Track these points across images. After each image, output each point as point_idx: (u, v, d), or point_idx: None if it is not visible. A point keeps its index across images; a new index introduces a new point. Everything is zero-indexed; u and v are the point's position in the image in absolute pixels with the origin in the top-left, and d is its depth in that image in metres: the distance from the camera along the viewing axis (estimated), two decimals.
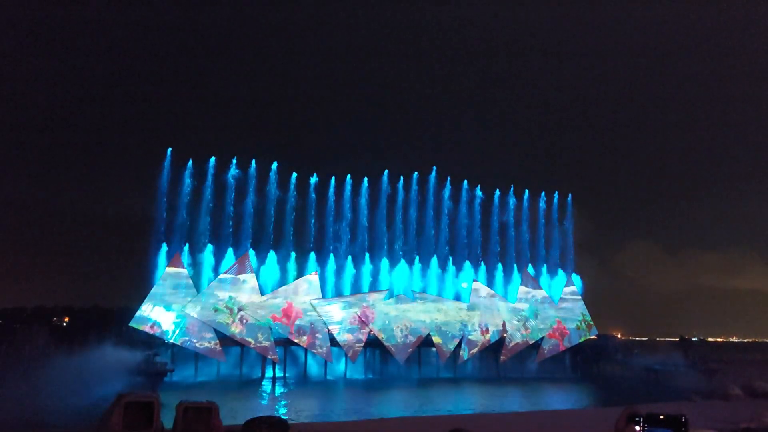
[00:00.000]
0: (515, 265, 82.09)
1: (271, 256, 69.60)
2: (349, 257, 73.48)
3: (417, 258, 76.65)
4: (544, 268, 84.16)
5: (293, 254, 70.65)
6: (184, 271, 64.08)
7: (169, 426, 18.88)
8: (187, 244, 66.24)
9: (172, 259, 64.18)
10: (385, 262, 74.51)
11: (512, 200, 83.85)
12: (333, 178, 75.26)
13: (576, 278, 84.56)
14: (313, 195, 73.29)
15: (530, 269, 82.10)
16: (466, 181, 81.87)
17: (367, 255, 74.20)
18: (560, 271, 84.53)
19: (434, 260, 77.12)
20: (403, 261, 75.72)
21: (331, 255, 72.88)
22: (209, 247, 67.46)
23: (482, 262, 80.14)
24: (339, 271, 73.08)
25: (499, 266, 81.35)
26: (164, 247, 65.80)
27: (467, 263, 79.21)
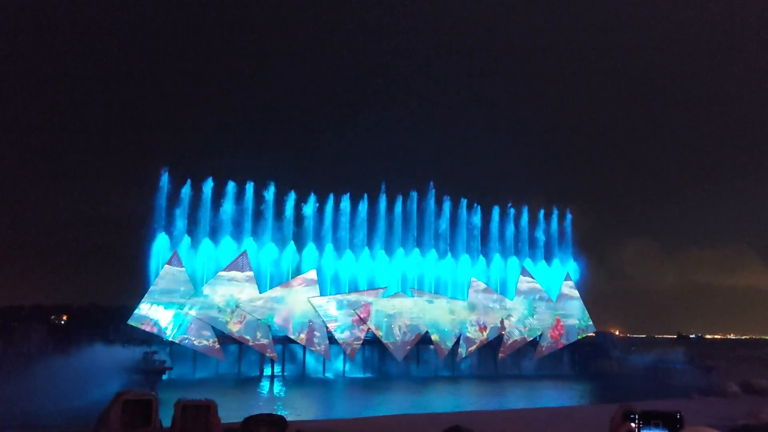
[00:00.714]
0: (514, 259, 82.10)
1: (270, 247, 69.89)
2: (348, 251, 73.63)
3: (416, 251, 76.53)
4: (543, 267, 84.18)
5: (292, 244, 70.83)
6: (182, 269, 64.11)
7: (167, 424, 18.87)
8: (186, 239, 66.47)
9: (170, 258, 64.19)
10: (381, 254, 74.61)
11: (511, 212, 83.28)
12: (331, 196, 73.85)
13: (574, 276, 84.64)
14: (312, 216, 72.53)
15: (528, 266, 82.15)
16: (464, 200, 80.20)
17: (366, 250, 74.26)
18: (559, 270, 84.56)
19: (432, 252, 77.12)
20: (400, 250, 75.57)
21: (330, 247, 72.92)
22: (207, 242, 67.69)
23: (481, 256, 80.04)
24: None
25: (498, 263, 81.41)
26: (163, 246, 65.86)
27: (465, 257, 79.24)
